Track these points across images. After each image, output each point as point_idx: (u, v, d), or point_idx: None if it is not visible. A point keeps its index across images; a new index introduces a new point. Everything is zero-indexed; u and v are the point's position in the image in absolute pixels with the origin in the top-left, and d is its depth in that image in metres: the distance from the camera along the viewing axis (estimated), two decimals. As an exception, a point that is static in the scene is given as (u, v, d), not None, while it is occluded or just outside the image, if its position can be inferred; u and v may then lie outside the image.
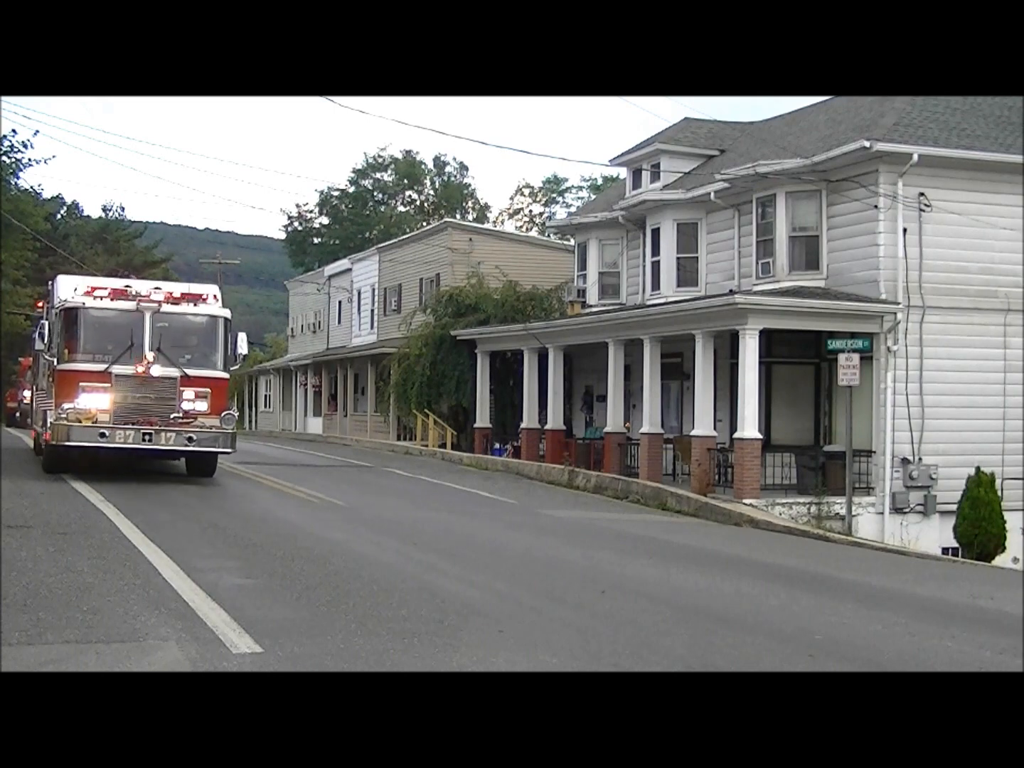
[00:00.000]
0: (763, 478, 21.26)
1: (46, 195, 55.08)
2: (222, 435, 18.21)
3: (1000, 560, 19.07)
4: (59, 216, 66.02)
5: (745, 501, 20.13)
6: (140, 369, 17.74)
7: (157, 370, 17.82)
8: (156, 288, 19.07)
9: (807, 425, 23.87)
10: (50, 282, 20.82)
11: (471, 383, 32.23)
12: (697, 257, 26.71)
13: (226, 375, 19.25)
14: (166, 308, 18.35)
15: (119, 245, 72.30)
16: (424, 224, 60.05)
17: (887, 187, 21.63)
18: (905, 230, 21.67)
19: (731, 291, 22.71)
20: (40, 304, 23.67)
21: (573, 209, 64.31)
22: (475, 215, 73.23)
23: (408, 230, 59.48)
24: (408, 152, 74.82)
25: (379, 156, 74.83)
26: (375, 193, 75.72)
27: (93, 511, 14.10)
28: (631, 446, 25.48)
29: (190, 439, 17.81)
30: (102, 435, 17.30)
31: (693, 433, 22.54)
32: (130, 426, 17.52)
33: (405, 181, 75.40)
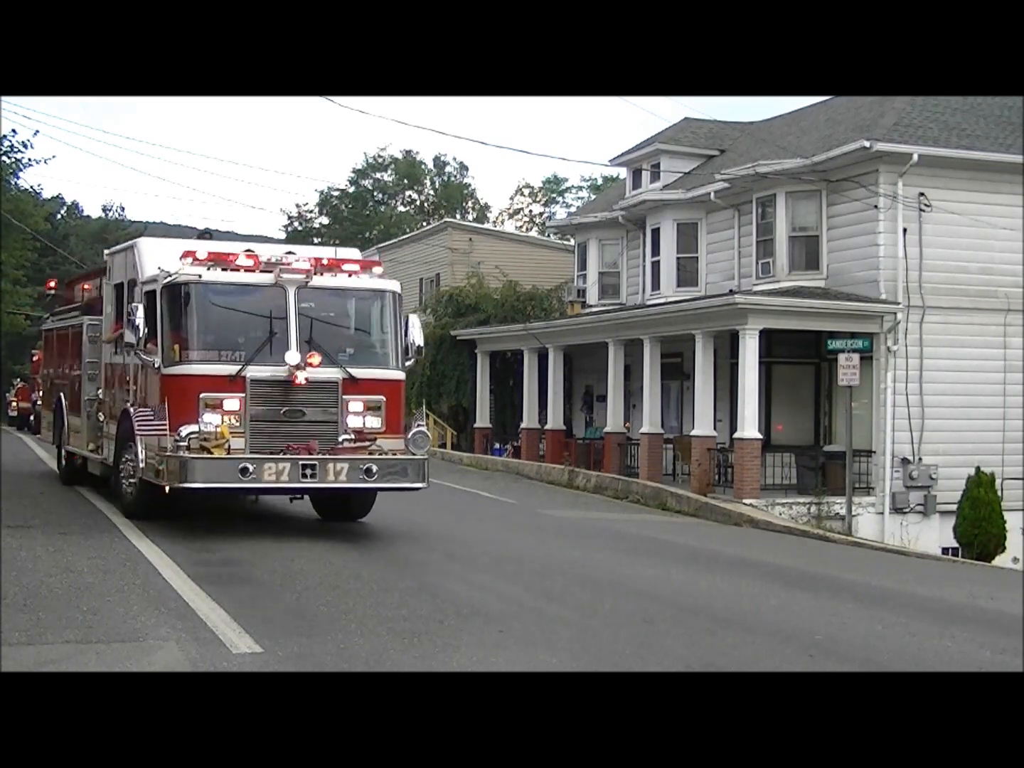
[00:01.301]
0: (763, 478, 21.26)
1: (46, 195, 55.10)
2: (412, 463, 12.39)
3: (1000, 560, 19.07)
4: (59, 216, 66.01)
5: (745, 501, 20.13)
6: (290, 371, 12.15)
7: (313, 372, 12.21)
8: (289, 252, 13.10)
9: (807, 425, 23.87)
10: (107, 251, 15.59)
11: (471, 383, 32.23)
12: (697, 257, 26.72)
13: (402, 376, 13.35)
14: (317, 281, 12.66)
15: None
16: (424, 224, 60.04)
17: (887, 187, 21.63)
18: (905, 230, 21.66)
19: (731, 291, 22.72)
20: (86, 285, 17.93)
21: (573, 209, 64.30)
22: (475, 215, 73.19)
23: (408, 230, 59.46)
24: (408, 152, 74.78)
25: (379, 156, 74.80)
26: (375, 193, 75.68)
27: (93, 511, 14.09)
28: (631, 446, 25.48)
29: (369, 472, 12.04)
30: (244, 471, 11.60)
31: (693, 433, 22.53)
32: (283, 456, 11.92)
33: (405, 181, 75.37)
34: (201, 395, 12.04)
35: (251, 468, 11.65)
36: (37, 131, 51.27)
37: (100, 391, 15.18)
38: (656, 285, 27.27)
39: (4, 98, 26.20)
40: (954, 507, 19.97)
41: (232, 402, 12.10)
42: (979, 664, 7.66)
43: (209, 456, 11.71)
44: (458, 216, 68.27)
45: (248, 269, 12.44)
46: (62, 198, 70.10)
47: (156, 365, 12.51)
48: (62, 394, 17.34)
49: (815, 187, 22.94)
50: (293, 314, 12.37)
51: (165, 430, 12.00)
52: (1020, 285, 22.19)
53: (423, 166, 75.60)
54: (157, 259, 13.13)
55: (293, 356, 12.12)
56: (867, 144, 21.41)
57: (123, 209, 74.30)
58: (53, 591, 8.70)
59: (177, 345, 12.40)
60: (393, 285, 13.41)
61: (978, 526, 19.22)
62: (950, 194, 21.96)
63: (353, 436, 12.40)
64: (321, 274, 12.72)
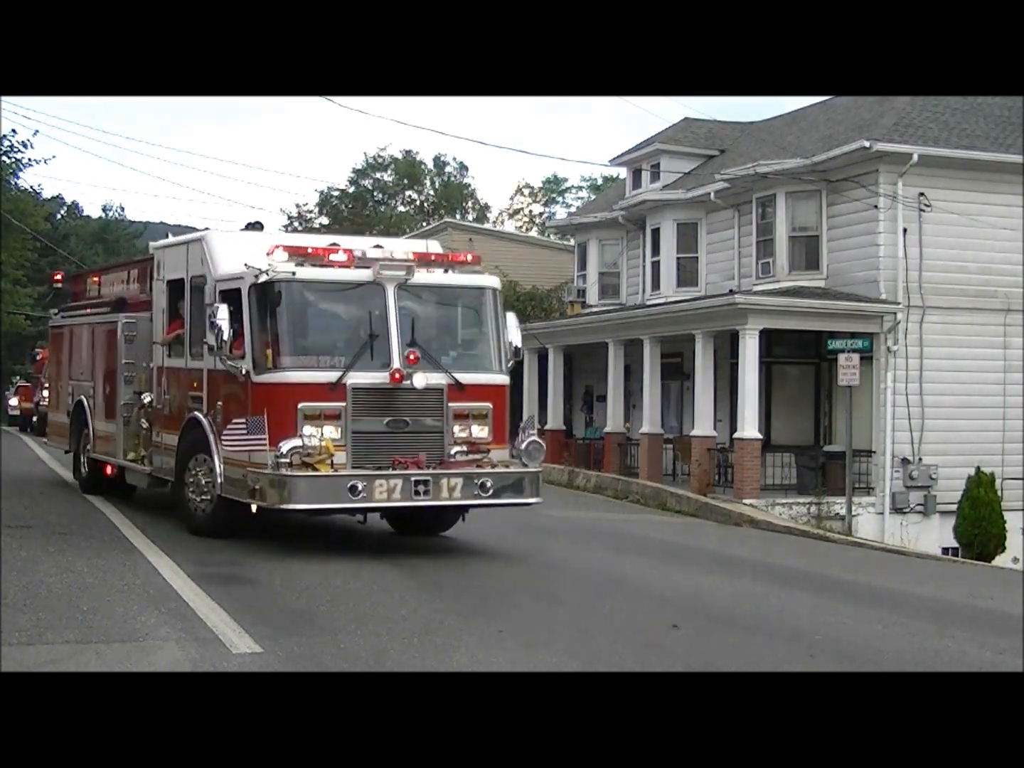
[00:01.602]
0: (763, 478, 21.27)
1: (46, 195, 55.05)
2: (526, 477, 11.45)
3: (1000, 560, 19.07)
4: (59, 216, 65.95)
5: (745, 501, 20.14)
6: (395, 376, 11.01)
7: (420, 378, 11.11)
8: (377, 246, 12.00)
9: (807, 425, 23.87)
10: (155, 244, 14.43)
11: (471, 383, 32.13)
12: (697, 257, 26.72)
13: (507, 381, 12.29)
14: (419, 277, 11.50)
15: (119, 245, 72.30)
16: (424, 224, 60.03)
17: (887, 187, 21.63)
18: (905, 230, 21.66)
19: (731, 291, 22.72)
20: (99, 279, 17.29)
21: (573, 209, 64.27)
22: (475, 215, 73.17)
23: (408, 230, 59.45)
24: (408, 152, 74.73)
25: (379, 156, 74.77)
26: (375, 193, 75.65)
27: (93, 511, 14.10)
28: (631, 446, 25.47)
29: (483, 487, 11.06)
30: (354, 490, 10.54)
31: (693, 433, 22.53)
32: (394, 472, 10.85)
33: (405, 181, 75.34)
34: (300, 405, 10.83)
35: (360, 486, 10.57)
36: (37, 131, 51.20)
37: (147, 396, 13.77)
38: (656, 285, 27.27)
39: (4, 98, 26.20)
40: (954, 507, 19.97)
41: (333, 413, 10.90)
42: (979, 664, 7.66)
43: (315, 474, 10.58)
44: (458, 216, 68.26)
45: (343, 265, 11.28)
46: (62, 198, 70.04)
47: (244, 372, 11.16)
48: (84, 397, 15.82)
49: (815, 187, 22.94)
50: (393, 314, 11.19)
51: (262, 444, 10.75)
52: (1020, 285, 22.19)
53: (423, 166, 75.57)
54: (231, 253, 11.97)
55: (400, 361, 11.01)
56: (867, 144, 21.41)
57: (123, 209, 74.38)
58: (53, 591, 8.70)
59: (270, 350, 11.08)
60: (494, 281, 12.37)
61: (978, 526, 19.22)
62: (950, 194, 21.96)
63: (466, 448, 11.37)
64: (426, 268, 11.72)
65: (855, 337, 20.69)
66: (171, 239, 14.21)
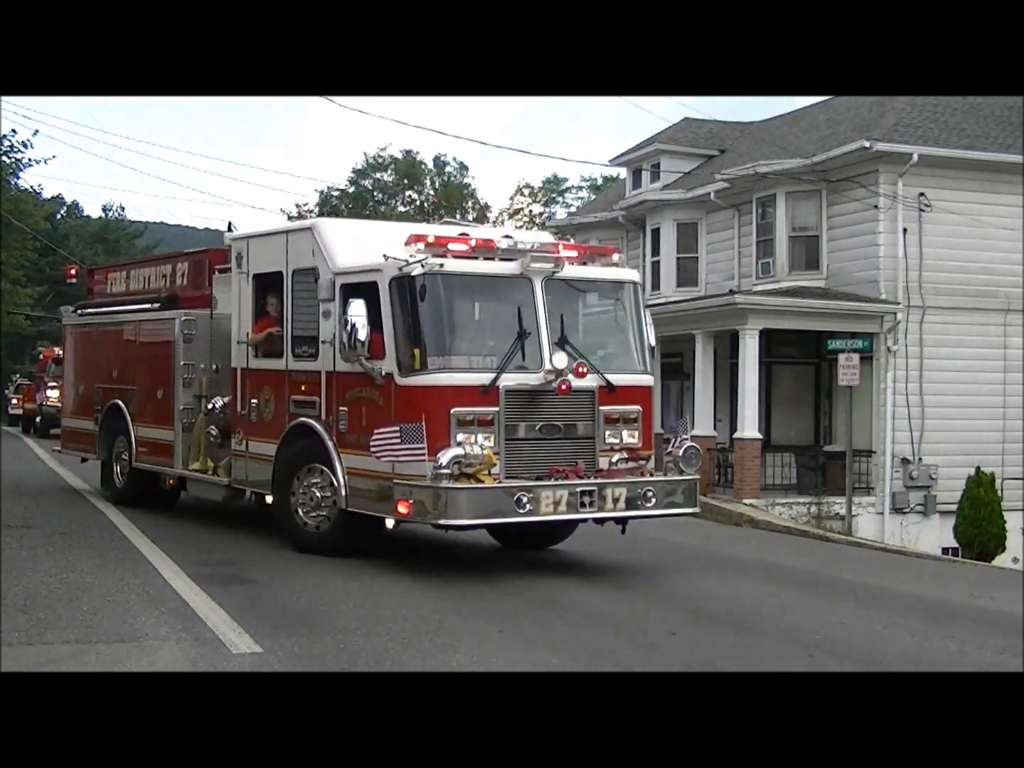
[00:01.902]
0: (763, 478, 21.25)
1: (46, 195, 55.07)
2: (685, 485, 10.85)
3: (1000, 560, 19.06)
4: (59, 216, 65.98)
5: (745, 501, 20.13)
6: (551, 379, 10.24)
7: (576, 381, 10.35)
8: (506, 236, 11.12)
9: (807, 425, 23.86)
10: (236, 235, 12.84)
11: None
12: (697, 257, 26.71)
13: (652, 381, 11.45)
14: (568, 271, 10.74)
15: (119, 245, 72.30)
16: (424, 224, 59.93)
17: (887, 187, 21.63)
18: (905, 230, 21.66)
19: (731, 291, 22.71)
20: (122, 274, 16.07)
21: (573, 209, 64.29)
22: (475, 215, 73.19)
23: (408, 230, 59.33)
24: (408, 152, 74.77)
25: (379, 156, 74.79)
26: (375, 193, 75.67)
27: (93, 511, 14.10)
28: (631, 446, 25.41)
29: (646, 497, 10.42)
30: (519, 503, 9.68)
31: (693, 433, 22.49)
32: (558, 482, 10.07)
33: (405, 181, 75.37)
34: (453, 411, 9.90)
35: (526, 498, 9.72)
36: (37, 131, 51.22)
37: (217, 400, 12.60)
38: (656, 285, 27.26)
39: (4, 98, 26.20)
40: (954, 507, 19.96)
41: (485, 418, 10.01)
42: (979, 664, 7.66)
43: (480, 486, 9.71)
44: (458, 216, 68.23)
45: (487, 257, 10.45)
46: (62, 198, 70.08)
47: (385, 374, 10.17)
48: (120, 402, 14.58)
49: (815, 187, 22.93)
50: (542, 310, 10.39)
51: (414, 453, 9.72)
52: (1020, 285, 22.19)
53: (423, 166, 75.59)
54: (347, 244, 11.06)
55: (560, 360, 10.15)
56: (867, 144, 21.41)
57: (123, 209, 74.36)
58: (53, 591, 8.70)
59: (417, 350, 10.10)
60: (635, 275, 11.77)
61: (978, 526, 19.21)
62: (950, 194, 21.95)
63: (626, 455, 10.66)
64: (575, 261, 10.94)
65: (855, 337, 20.69)
66: (258, 229, 13.01)
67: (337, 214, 74.52)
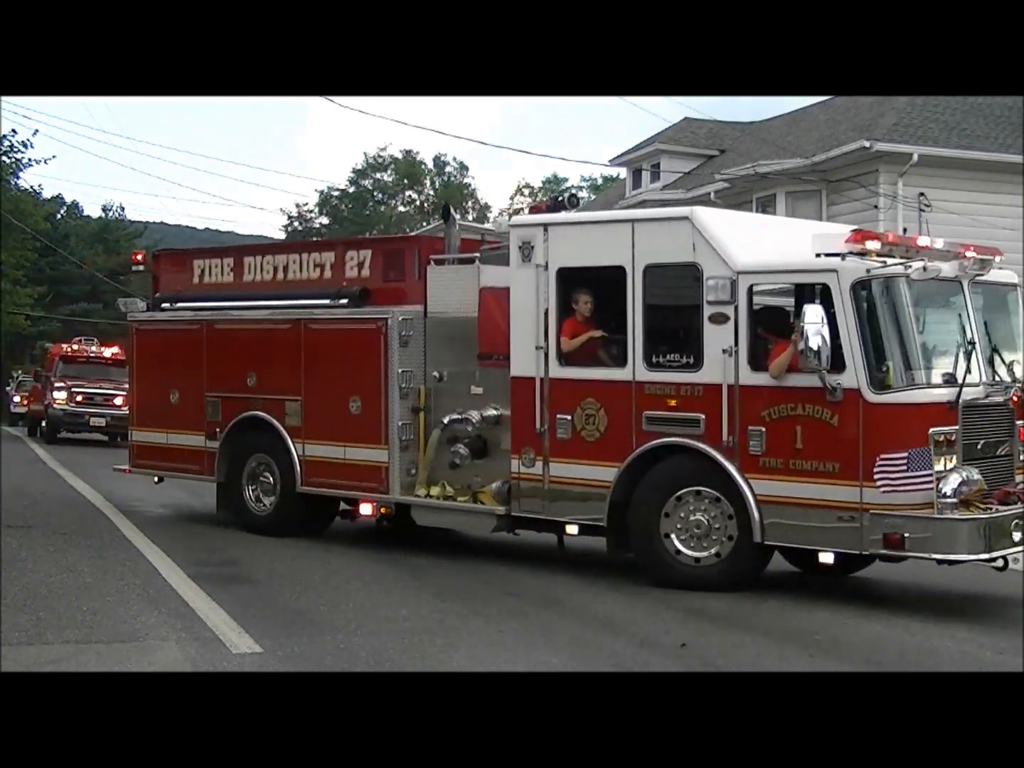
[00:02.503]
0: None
1: (46, 195, 55.10)
2: None
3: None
4: (59, 216, 65.99)
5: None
6: (992, 391, 9.55)
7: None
8: (940, 238, 10.21)
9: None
10: (529, 219, 11.26)
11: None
12: (697, 257, 26.68)
13: None
14: (990, 274, 10.15)
15: (119, 245, 72.30)
16: (424, 224, 60.01)
17: (887, 187, 21.64)
18: (905, 230, 21.54)
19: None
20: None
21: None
22: (475, 215, 73.23)
23: (408, 230, 59.50)
24: (408, 152, 74.81)
25: (379, 156, 74.83)
26: (375, 193, 75.73)
27: (93, 511, 14.10)
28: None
29: None
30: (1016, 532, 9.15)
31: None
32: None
33: (405, 181, 75.42)
34: (931, 431, 8.99)
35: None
36: (37, 131, 51.23)
37: (487, 412, 10.84)
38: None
39: (4, 98, 26.20)
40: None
41: (951, 438, 9.15)
42: (979, 664, 7.65)
43: (984, 516, 8.96)
44: (458, 216, 68.23)
45: (934, 258, 9.54)
46: (62, 198, 70.09)
47: (845, 389, 8.99)
48: (264, 414, 12.28)
49: (815, 187, 22.94)
50: (974, 317, 9.70)
51: (926, 481, 8.84)
52: (1020, 285, 22.18)
53: (423, 166, 75.63)
54: (739, 239, 9.81)
55: (1014, 370, 9.57)
56: (867, 144, 21.42)
57: (123, 209, 74.34)
58: (53, 591, 8.70)
59: (890, 363, 9.20)
60: (1016, 277, 10.88)
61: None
62: (950, 194, 21.95)
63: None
64: (980, 265, 9.96)
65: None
66: (563, 216, 11.11)
67: (337, 214, 74.59)
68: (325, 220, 75.84)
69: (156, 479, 13.96)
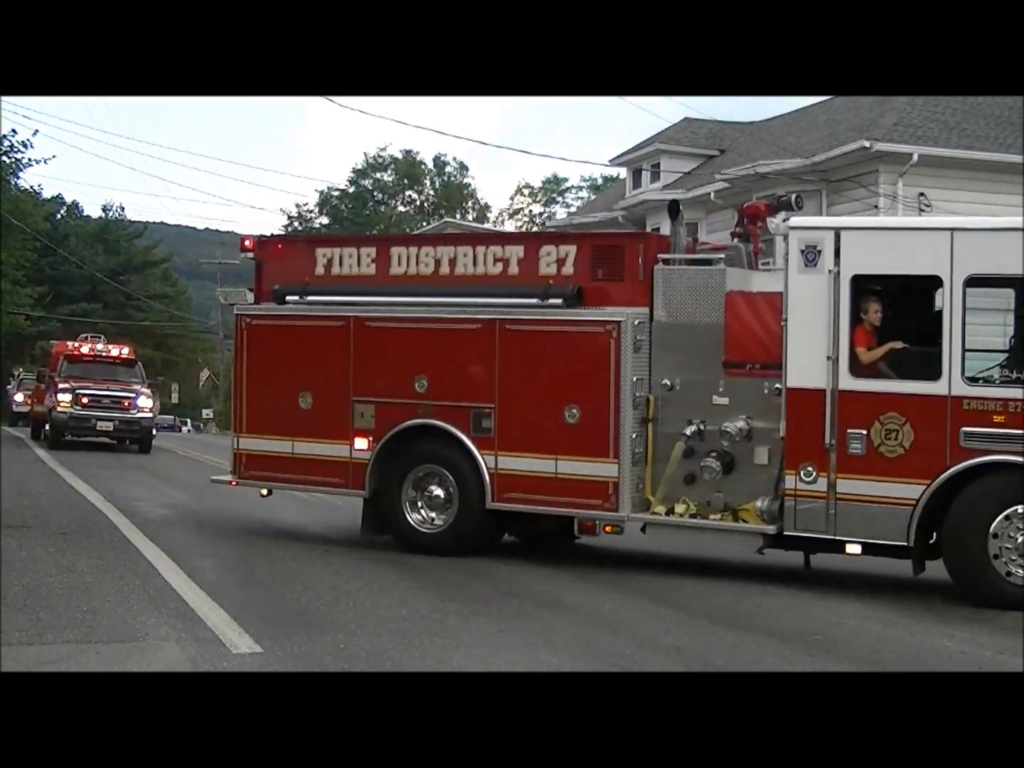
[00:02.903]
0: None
1: (46, 195, 55.17)
2: None
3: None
4: (59, 216, 66.05)
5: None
6: None
7: None
8: None
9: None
10: (801, 221, 10.51)
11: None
12: (697, 257, 26.70)
13: None
14: None
15: (119, 245, 72.33)
16: (424, 224, 60.06)
17: (887, 187, 21.67)
18: (905, 230, 21.71)
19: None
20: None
21: (573, 209, 64.32)
22: (475, 215, 73.28)
23: (408, 230, 59.53)
24: (408, 152, 74.87)
25: (379, 156, 74.88)
26: (375, 193, 75.79)
27: (93, 511, 14.10)
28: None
29: None
30: None
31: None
32: None
33: (405, 181, 75.49)
34: None
35: None
36: (37, 131, 51.42)
37: (738, 424, 10.11)
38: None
39: (4, 98, 26.21)
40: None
41: None
42: (979, 664, 7.65)
43: None
44: (458, 216, 68.34)
45: None
46: (62, 198, 70.21)
47: None
48: (442, 422, 11.12)
49: (815, 187, 22.96)
50: None
51: None
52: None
53: (423, 166, 75.69)
54: None
55: None
56: (867, 144, 21.45)
57: (123, 209, 74.60)
58: (53, 591, 8.69)
59: None
60: None
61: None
62: (950, 194, 21.96)
63: None
64: None
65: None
66: (862, 220, 10.79)
67: (337, 214, 74.63)
68: (325, 220, 75.89)
69: (264, 492, 12.42)
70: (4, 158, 33.90)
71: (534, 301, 10.87)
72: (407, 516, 11.39)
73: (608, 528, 10.73)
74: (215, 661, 6.75)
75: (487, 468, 10.93)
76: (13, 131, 33.36)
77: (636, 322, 10.47)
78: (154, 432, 28.98)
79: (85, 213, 75.75)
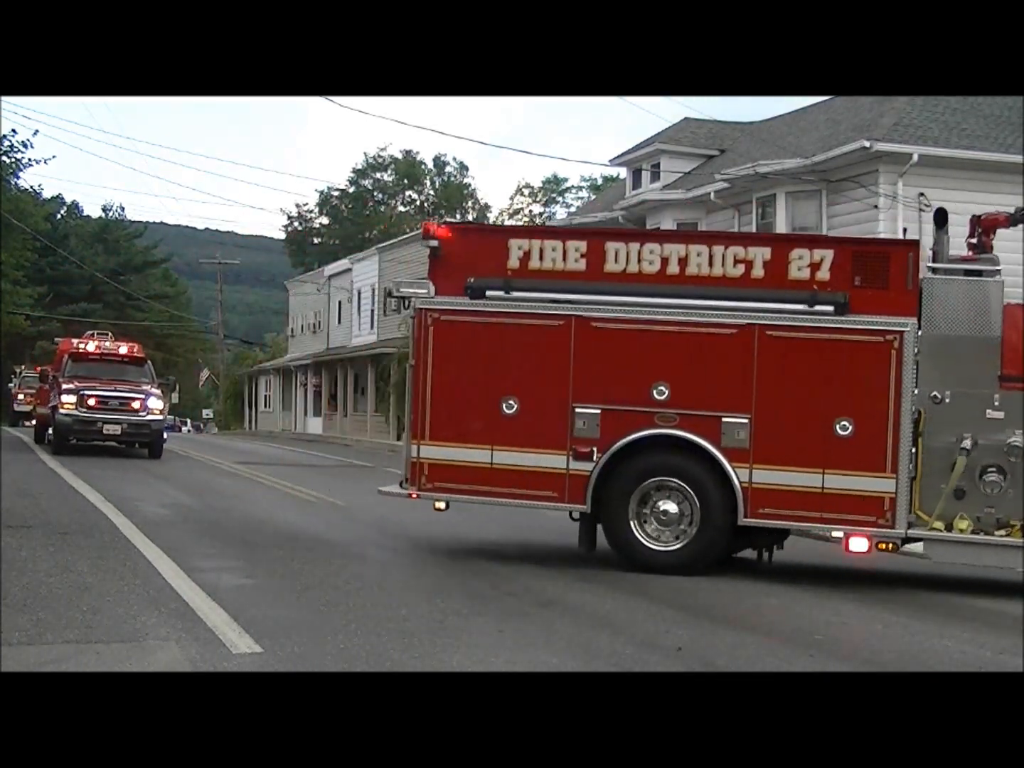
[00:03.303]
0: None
1: (46, 195, 55.21)
2: None
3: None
4: (59, 216, 66.09)
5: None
6: None
7: None
8: None
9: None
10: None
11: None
12: (696, 257, 26.68)
13: None
14: None
15: (119, 245, 72.37)
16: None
17: (887, 187, 21.67)
18: (905, 230, 21.61)
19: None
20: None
21: (573, 209, 64.32)
22: (475, 215, 73.28)
23: (408, 230, 59.55)
24: (408, 152, 74.89)
25: (379, 156, 74.89)
26: (375, 193, 75.81)
27: (93, 511, 14.10)
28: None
29: None
30: None
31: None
32: None
33: (405, 181, 75.51)
34: None
35: None
36: (37, 131, 51.50)
37: (971, 440, 9.97)
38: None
39: (4, 98, 26.22)
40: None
41: None
42: (979, 664, 7.66)
43: None
44: (458, 216, 68.32)
45: None
46: (62, 198, 70.26)
47: None
48: (687, 433, 10.50)
49: (815, 187, 22.96)
50: None
51: None
52: (1020, 285, 22.18)
53: (423, 166, 75.71)
54: None
55: None
56: (867, 144, 21.45)
57: (123, 209, 74.71)
58: (53, 591, 8.69)
59: None
60: None
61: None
62: (950, 194, 21.95)
63: None
64: None
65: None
66: None
67: (337, 214, 74.65)
68: (325, 220, 75.91)
69: (442, 505, 11.29)
70: (4, 158, 33.93)
71: (800, 307, 10.29)
72: (635, 533, 10.77)
73: (882, 545, 10.34)
74: (215, 661, 6.75)
75: (739, 482, 10.35)
76: (13, 131, 33.44)
77: (918, 334, 10.12)
78: (165, 436, 26.70)
79: (85, 213, 75.88)
